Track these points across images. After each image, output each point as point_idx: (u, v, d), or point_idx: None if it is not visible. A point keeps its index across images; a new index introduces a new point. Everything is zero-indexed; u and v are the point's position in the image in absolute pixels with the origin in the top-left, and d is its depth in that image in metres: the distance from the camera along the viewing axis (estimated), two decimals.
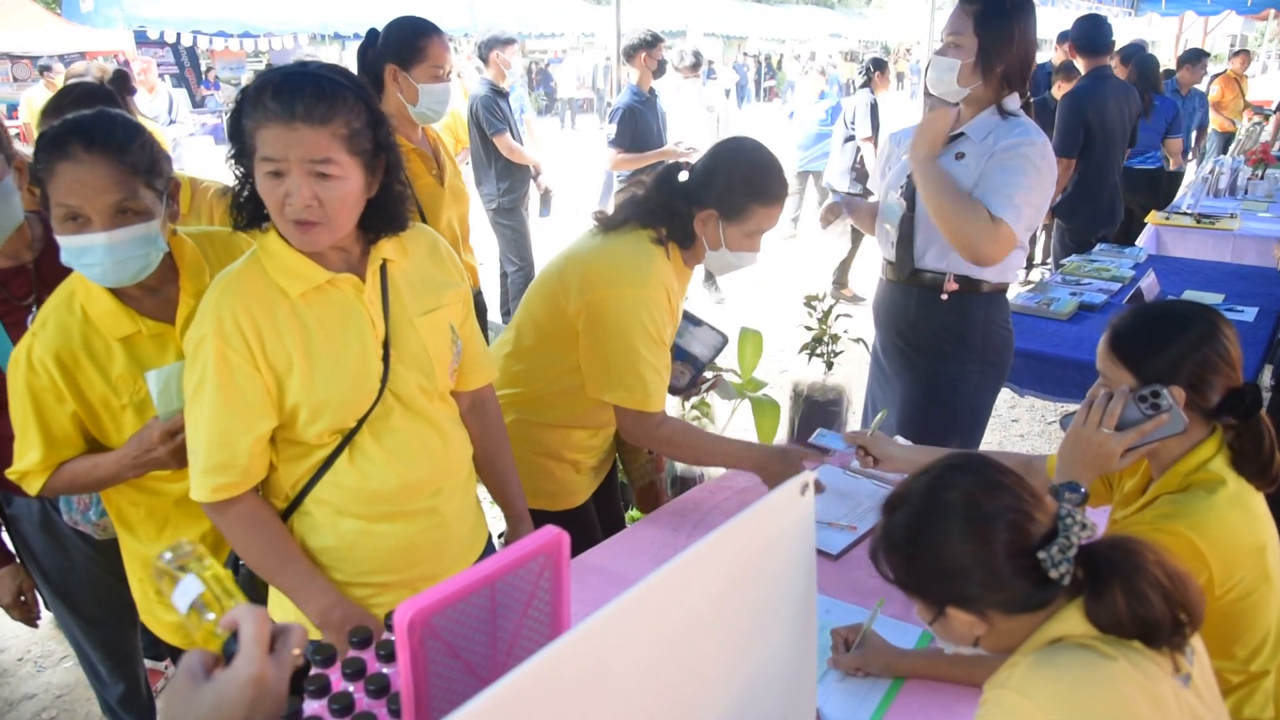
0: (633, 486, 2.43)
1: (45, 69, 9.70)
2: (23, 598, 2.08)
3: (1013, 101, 2.34)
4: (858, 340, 2.48)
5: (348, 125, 1.40)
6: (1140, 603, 1.09)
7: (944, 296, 2.44)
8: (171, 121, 8.66)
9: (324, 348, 1.50)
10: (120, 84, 2.38)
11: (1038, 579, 1.14)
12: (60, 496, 1.94)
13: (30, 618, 2.12)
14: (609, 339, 1.97)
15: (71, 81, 2.41)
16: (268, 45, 13.28)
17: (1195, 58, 7.41)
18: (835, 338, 2.40)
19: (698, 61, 6.55)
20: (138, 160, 1.53)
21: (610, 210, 2.20)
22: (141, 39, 11.98)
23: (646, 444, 2.17)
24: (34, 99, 9.04)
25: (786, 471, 2.07)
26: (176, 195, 1.66)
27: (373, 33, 2.69)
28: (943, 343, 2.50)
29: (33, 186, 1.58)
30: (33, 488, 1.66)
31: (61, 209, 1.51)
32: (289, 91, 1.36)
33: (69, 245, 1.52)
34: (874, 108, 6.55)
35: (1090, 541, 1.16)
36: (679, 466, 2.43)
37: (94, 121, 1.53)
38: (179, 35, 11.66)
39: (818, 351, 2.40)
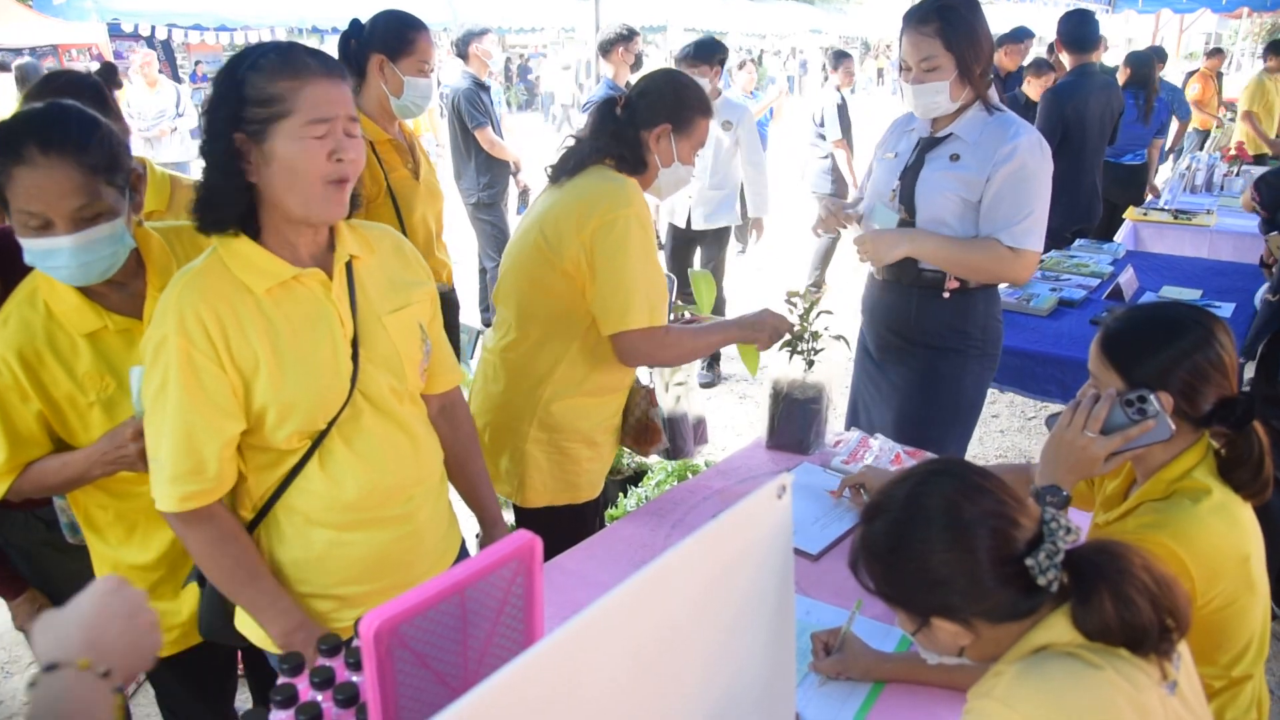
0: (626, 428, 2.37)
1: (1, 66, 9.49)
2: None
3: (993, 94, 2.36)
4: (838, 337, 2.46)
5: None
6: (1128, 608, 1.08)
7: (945, 295, 2.46)
8: (179, 114, 8.47)
9: (292, 346, 1.44)
10: (108, 76, 2.32)
11: (1023, 586, 1.12)
12: (62, 524, 1.88)
13: None
14: (615, 266, 1.97)
15: (56, 69, 2.34)
16: (244, 39, 13.11)
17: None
18: (816, 335, 2.38)
19: (706, 55, 4.41)
20: (97, 159, 1.47)
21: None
22: (115, 31, 11.79)
23: (654, 362, 2.16)
24: None
25: (775, 326, 2.22)
26: (139, 187, 1.61)
27: (356, 23, 2.70)
28: (945, 338, 2.51)
29: None
30: None
31: (23, 214, 1.45)
32: (308, 53, 1.35)
33: (33, 248, 1.48)
34: (842, 108, 6.19)
35: (1075, 547, 1.14)
36: (664, 408, 2.37)
37: (47, 119, 1.48)
38: (154, 28, 11.48)
39: (798, 349, 2.38)
